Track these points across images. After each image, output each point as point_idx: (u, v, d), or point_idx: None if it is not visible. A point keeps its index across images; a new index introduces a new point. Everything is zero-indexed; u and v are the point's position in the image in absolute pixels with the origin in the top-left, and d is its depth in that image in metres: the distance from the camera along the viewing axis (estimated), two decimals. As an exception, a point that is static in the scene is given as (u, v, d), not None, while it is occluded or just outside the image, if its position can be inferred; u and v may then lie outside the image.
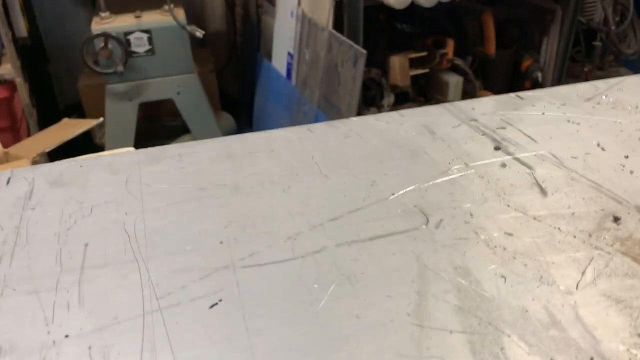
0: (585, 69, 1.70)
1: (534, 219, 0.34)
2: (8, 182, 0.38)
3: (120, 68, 1.67)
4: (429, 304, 0.28)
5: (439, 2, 1.43)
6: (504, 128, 0.45)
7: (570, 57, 1.58)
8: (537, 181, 0.38)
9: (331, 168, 0.40)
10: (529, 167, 0.39)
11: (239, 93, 2.19)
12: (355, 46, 1.40)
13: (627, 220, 0.34)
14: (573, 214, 0.34)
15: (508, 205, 0.35)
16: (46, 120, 1.62)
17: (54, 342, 0.26)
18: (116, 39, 1.61)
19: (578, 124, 0.45)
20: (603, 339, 0.26)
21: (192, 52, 1.79)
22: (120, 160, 0.40)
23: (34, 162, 1.22)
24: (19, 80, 1.70)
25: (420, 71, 1.61)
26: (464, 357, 0.25)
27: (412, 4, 1.41)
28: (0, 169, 0.85)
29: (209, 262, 0.31)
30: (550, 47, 1.56)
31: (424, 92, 1.68)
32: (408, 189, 0.37)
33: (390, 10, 1.45)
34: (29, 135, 1.58)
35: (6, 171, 0.39)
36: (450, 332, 0.27)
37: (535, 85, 1.54)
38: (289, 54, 1.71)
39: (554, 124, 0.46)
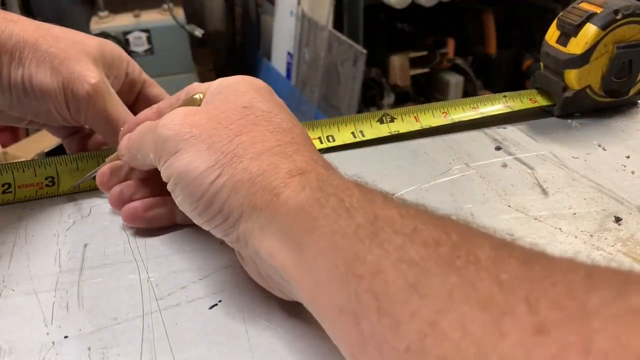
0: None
1: (535, 219, 0.34)
2: (7, 182, 0.38)
3: (119, 67, 1.67)
4: (430, 305, 0.28)
5: (439, 1, 1.43)
6: (504, 128, 0.45)
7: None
8: (538, 181, 0.38)
9: (331, 168, 0.39)
10: (530, 167, 0.39)
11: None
12: (356, 46, 1.40)
13: (628, 220, 0.34)
14: (574, 214, 0.34)
15: (509, 206, 0.35)
16: (45, 119, 1.62)
17: (53, 343, 0.26)
18: (115, 38, 1.62)
19: (579, 123, 0.45)
20: (605, 340, 0.26)
21: (191, 51, 1.78)
22: (120, 160, 0.40)
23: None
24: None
25: (420, 71, 1.61)
26: (465, 358, 0.25)
27: (413, 4, 1.41)
28: None
29: (208, 262, 0.31)
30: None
31: (424, 92, 1.68)
32: (409, 188, 0.37)
33: (390, 9, 1.45)
34: (27, 135, 1.57)
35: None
36: (452, 333, 0.26)
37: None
38: (289, 53, 1.71)
39: (554, 123, 0.46)
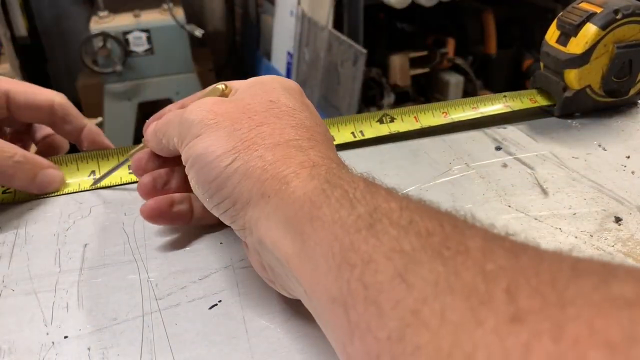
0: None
1: (535, 219, 0.34)
2: (7, 182, 0.38)
3: (119, 68, 1.67)
4: (430, 305, 0.28)
5: (439, 1, 1.43)
6: (504, 128, 0.45)
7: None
8: (538, 181, 0.38)
9: (331, 168, 0.39)
10: (530, 167, 0.39)
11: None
12: (356, 46, 1.40)
13: (628, 220, 0.34)
14: (574, 214, 0.34)
15: (509, 206, 0.35)
16: (45, 119, 1.62)
17: (53, 343, 0.26)
18: (115, 38, 1.61)
19: (579, 123, 0.45)
20: (605, 340, 0.26)
21: (191, 51, 1.78)
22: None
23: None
24: (17, 80, 1.70)
25: (420, 71, 1.61)
26: (465, 358, 0.25)
27: (413, 3, 1.41)
28: None
29: (208, 262, 0.31)
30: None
31: (424, 92, 1.68)
32: (409, 189, 0.37)
33: (390, 9, 1.45)
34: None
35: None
36: (452, 333, 0.26)
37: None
38: (289, 53, 1.71)
39: (554, 123, 0.46)
